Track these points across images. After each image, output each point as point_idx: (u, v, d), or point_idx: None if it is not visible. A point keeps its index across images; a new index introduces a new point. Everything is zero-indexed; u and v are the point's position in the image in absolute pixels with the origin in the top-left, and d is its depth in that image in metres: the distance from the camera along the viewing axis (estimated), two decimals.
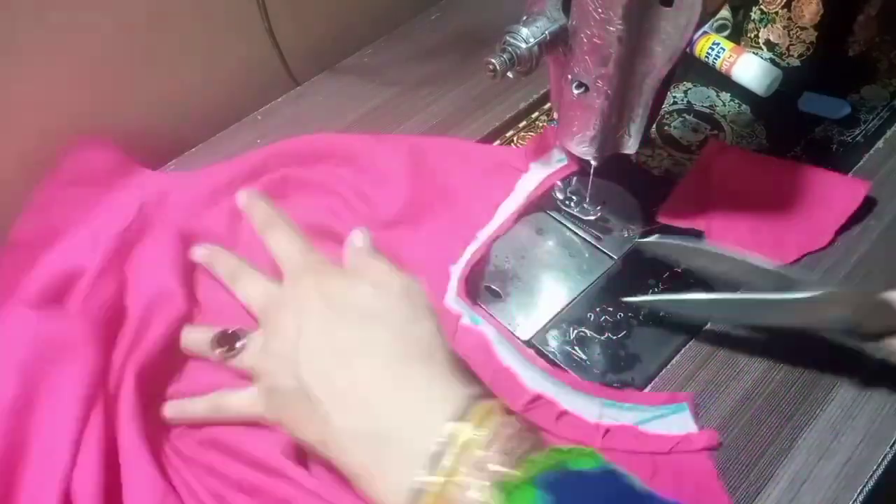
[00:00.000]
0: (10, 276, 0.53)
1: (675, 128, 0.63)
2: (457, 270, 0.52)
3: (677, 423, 0.45)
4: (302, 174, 0.59)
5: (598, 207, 0.55)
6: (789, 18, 0.62)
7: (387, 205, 0.55)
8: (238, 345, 0.45)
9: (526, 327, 0.50)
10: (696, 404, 0.46)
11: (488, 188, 0.57)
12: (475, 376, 0.42)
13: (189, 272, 0.53)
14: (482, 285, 0.52)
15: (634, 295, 0.50)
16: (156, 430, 0.45)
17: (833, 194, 0.55)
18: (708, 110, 0.64)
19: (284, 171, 0.59)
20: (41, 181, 0.58)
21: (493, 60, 0.43)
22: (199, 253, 0.52)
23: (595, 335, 0.50)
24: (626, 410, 0.46)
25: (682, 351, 0.49)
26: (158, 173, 0.62)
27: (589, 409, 0.46)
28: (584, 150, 0.49)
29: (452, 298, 0.50)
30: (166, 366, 0.49)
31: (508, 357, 0.47)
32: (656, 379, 0.48)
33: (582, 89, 0.45)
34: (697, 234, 0.54)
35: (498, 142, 0.64)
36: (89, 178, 0.59)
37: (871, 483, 0.43)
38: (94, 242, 0.53)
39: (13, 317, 0.48)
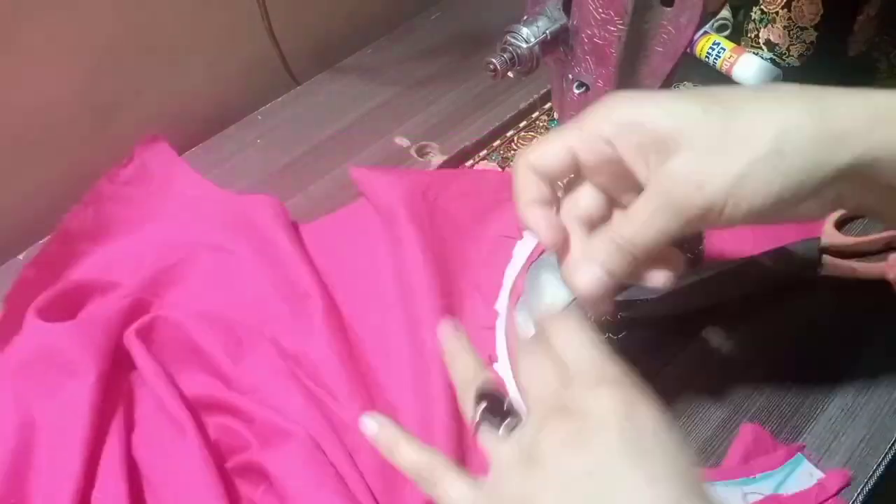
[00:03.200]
0: (54, 265, 0.54)
1: None
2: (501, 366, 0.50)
3: (805, 474, 0.44)
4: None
5: None
6: (789, 18, 0.62)
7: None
8: (504, 424, 0.34)
9: (527, 327, 0.50)
10: (804, 447, 0.45)
11: (491, 263, 0.54)
12: None
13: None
14: None
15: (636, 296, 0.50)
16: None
17: None
18: None
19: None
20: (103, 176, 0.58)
21: (493, 60, 0.43)
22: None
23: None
24: (761, 481, 0.44)
25: (682, 351, 0.49)
26: (216, 188, 0.60)
27: (733, 495, 0.43)
28: None
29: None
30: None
31: None
32: (658, 378, 0.48)
33: (583, 89, 0.45)
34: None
35: (498, 142, 0.64)
36: (147, 181, 0.59)
37: (871, 483, 0.43)
38: (139, 263, 0.54)
39: (26, 326, 0.49)
